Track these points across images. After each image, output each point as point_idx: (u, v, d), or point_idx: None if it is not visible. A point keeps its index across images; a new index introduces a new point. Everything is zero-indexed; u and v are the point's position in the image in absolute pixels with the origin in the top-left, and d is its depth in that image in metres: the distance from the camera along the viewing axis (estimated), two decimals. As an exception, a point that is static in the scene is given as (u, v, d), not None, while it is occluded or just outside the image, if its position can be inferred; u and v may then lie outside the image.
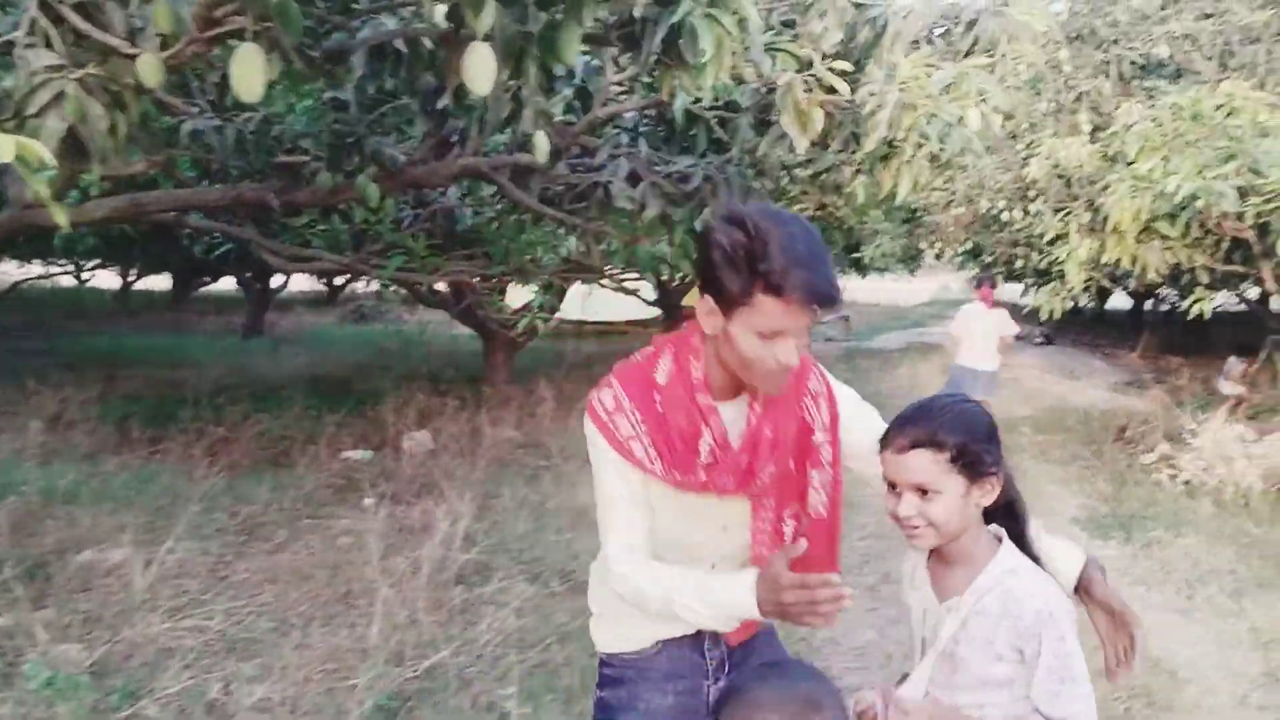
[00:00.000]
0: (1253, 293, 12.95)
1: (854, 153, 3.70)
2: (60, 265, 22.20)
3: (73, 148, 2.03)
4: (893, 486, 1.78)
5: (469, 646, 4.45)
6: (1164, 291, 17.18)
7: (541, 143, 3.22)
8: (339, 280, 23.55)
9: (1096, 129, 8.91)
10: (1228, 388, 10.84)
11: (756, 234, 1.64)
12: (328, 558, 5.71)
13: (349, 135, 4.12)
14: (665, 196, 3.94)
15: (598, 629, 2.11)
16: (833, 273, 1.69)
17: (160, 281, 26.11)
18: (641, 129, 4.43)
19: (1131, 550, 6.25)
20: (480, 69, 1.82)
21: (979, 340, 9.28)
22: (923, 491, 1.73)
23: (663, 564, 1.90)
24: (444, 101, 3.18)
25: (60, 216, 1.87)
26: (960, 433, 1.72)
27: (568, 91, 3.55)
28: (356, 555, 5.59)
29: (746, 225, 1.65)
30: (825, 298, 1.66)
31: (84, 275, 23.56)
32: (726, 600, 1.76)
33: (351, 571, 5.37)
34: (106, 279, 25.76)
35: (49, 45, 1.97)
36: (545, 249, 6.65)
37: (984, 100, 3.37)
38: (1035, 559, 1.81)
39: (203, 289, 26.45)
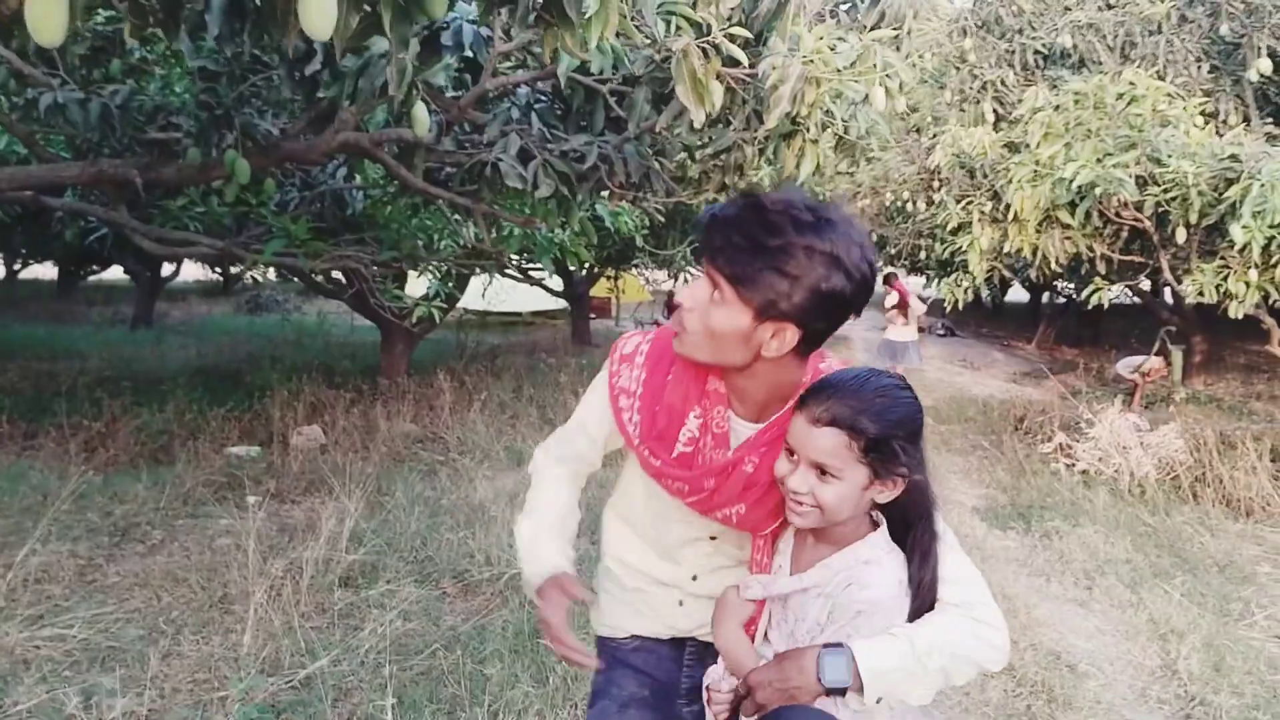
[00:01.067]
0: (1144, 285, 13.28)
1: (756, 130, 3.53)
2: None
3: None
4: (791, 453, 1.64)
5: (350, 654, 4.18)
6: (1061, 284, 17.52)
7: (421, 115, 2.98)
8: (234, 269, 22.82)
9: (1000, 119, 8.96)
10: (1127, 372, 11.07)
11: (864, 282, 1.58)
12: (204, 560, 5.38)
13: (218, 107, 3.81)
14: (559, 176, 3.72)
15: (594, 610, 2.13)
16: (736, 225, 1.62)
17: (48, 270, 25.06)
18: (536, 105, 4.20)
19: (1031, 541, 6.25)
20: (316, 9, 1.58)
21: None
22: (822, 470, 1.60)
23: (561, 490, 2.01)
24: (314, 67, 2.91)
25: None
26: (884, 425, 1.57)
27: (451, 60, 3.30)
28: (235, 557, 5.27)
29: (861, 273, 1.58)
30: (714, 224, 1.63)
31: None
32: (527, 569, 1.90)
33: (229, 575, 5.06)
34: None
35: None
36: (441, 235, 6.37)
37: (889, 77, 3.24)
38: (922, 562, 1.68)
39: (92, 278, 25.45)
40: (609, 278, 18.79)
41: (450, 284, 7.60)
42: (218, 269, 23.16)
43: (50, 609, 4.57)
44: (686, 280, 18.10)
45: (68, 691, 3.80)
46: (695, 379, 1.75)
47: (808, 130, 3.46)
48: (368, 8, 1.76)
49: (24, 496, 6.21)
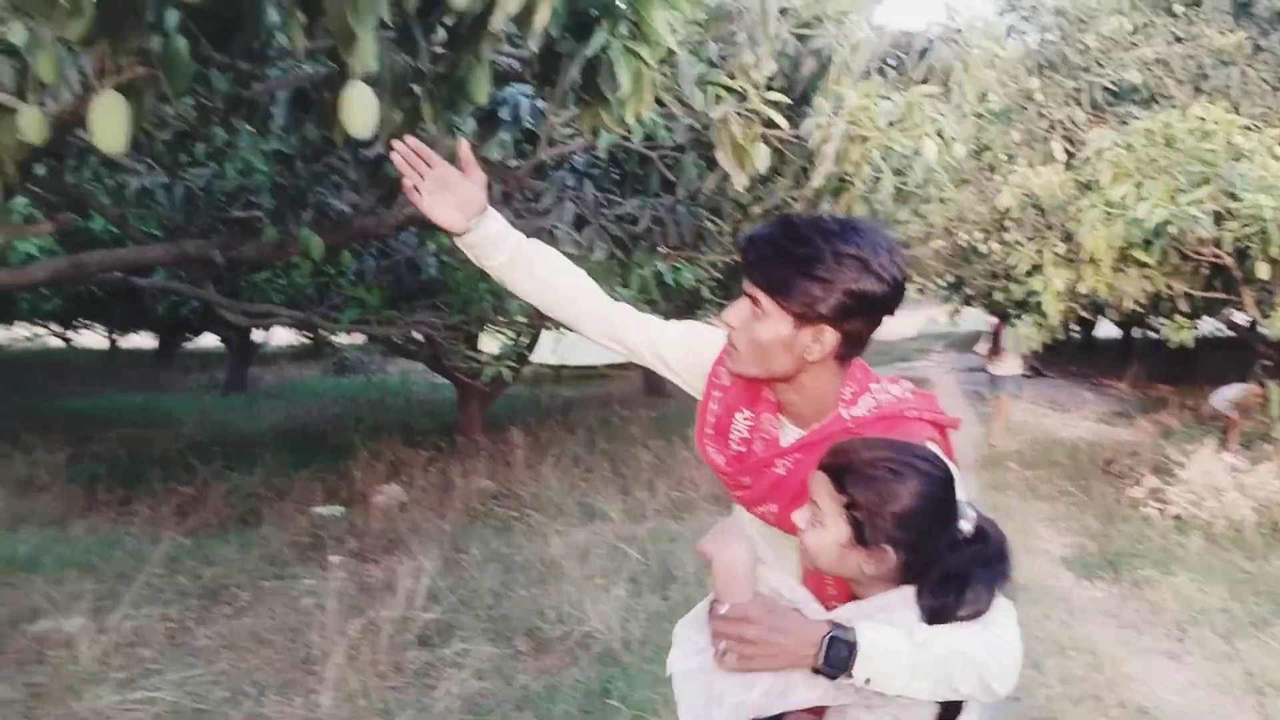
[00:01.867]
0: (1240, 317, 12.86)
1: (805, 187, 3.57)
2: (46, 327, 22.11)
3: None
4: None
5: (425, 714, 4.25)
6: (1153, 319, 17.05)
7: (477, 187, 3.08)
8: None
9: (1070, 156, 8.84)
10: (1221, 405, 10.69)
11: (894, 283, 1.65)
12: (289, 620, 5.51)
13: (292, 188, 3.99)
14: (613, 239, 3.80)
15: None
16: (770, 241, 1.70)
17: (146, 339, 25.97)
18: (592, 171, 4.31)
19: (1120, 590, 6.07)
20: (357, 110, 1.69)
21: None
22: (815, 512, 1.60)
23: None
24: (377, 150, 3.04)
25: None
26: (871, 493, 1.54)
27: (505, 136, 3.43)
28: (318, 617, 5.39)
29: (890, 274, 1.64)
30: (752, 244, 1.71)
31: (69, 335, 23.50)
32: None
33: (311, 635, 5.16)
34: (94, 340, 25.66)
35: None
36: (509, 297, 6.51)
37: (939, 131, 3.25)
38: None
39: (188, 345, 26.30)
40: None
41: (522, 341, 7.72)
42: (307, 334, 23.82)
43: (141, 672, 4.71)
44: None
45: (157, 756, 3.92)
46: (750, 385, 1.82)
47: (855, 186, 3.49)
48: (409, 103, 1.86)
49: (119, 561, 6.43)
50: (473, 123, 3.00)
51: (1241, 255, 7.43)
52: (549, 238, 3.74)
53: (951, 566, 1.55)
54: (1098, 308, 10.72)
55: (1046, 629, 5.25)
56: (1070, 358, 25.51)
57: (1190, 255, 7.73)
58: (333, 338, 9.87)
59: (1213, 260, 7.70)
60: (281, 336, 26.62)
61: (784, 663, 1.52)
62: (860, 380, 1.78)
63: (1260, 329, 13.75)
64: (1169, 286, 7.90)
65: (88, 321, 21.40)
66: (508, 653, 5.01)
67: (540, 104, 3.62)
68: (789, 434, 1.82)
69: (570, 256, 3.94)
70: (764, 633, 1.52)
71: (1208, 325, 8.61)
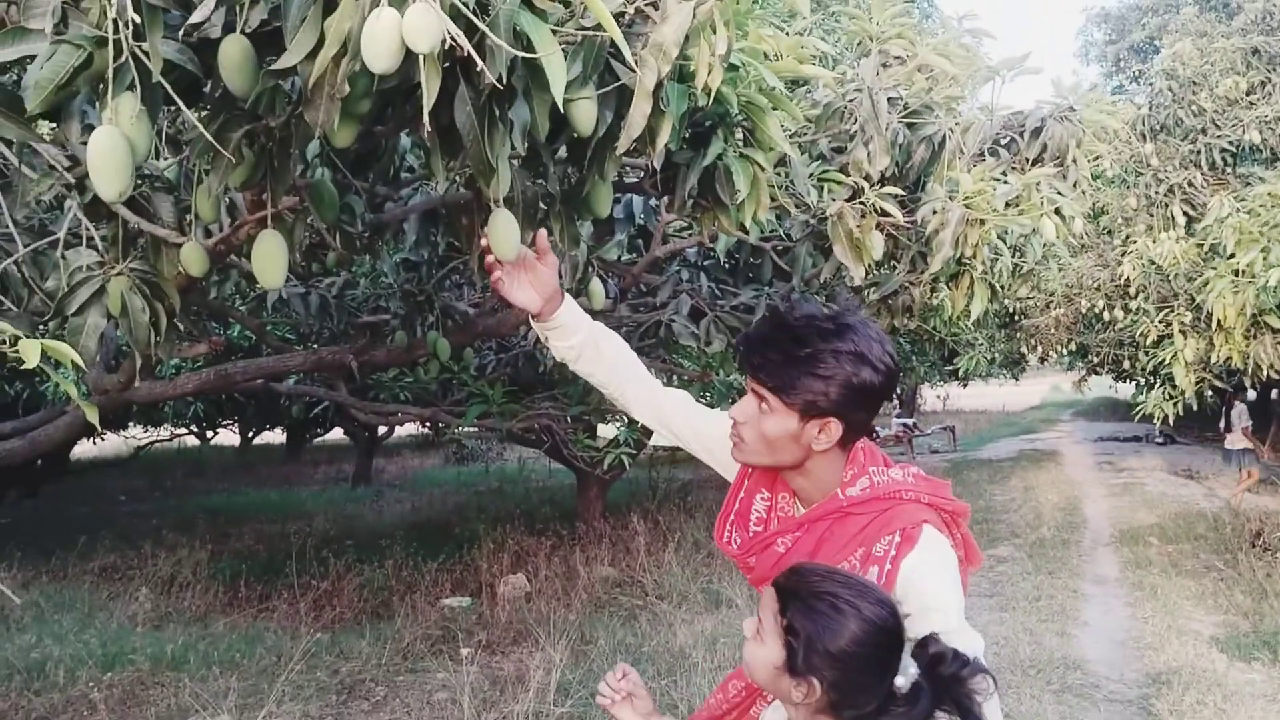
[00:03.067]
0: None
1: (922, 272, 3.58)
2: (184, 427, 23.17)
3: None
4: None
5: (562, 811, 4.24)
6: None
7: (597, 289, 3.18)
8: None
9: (1190, 221, 8.60)
10: None
11: (889, 372, 1.74)
12: (424, 715, 5.60)
13: (419, 294, 4.17)
14: (729, 330, 3.87)
15: None
16: (765, 343, 1.78)
17: (277, 436, 26.92)
18: (705, 263, 4.40)
19: (1279, 673, 5.73)
20: (503, 234, 1.82)
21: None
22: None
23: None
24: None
25: (91, 414, 1.88)
26: (807, 620, 1.54)
27: (622, 236, 3.54)
28: (451, 711, 5.46)
29: (885, 365, 1.73)
30: (747, 346, 1.80)
31: (207, 435, 24.54)
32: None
33: (451, 730, 5.24)
34: (228, 437, 26.72)
35: (90, 244, 2.02)
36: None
37: (1056, 210, 3.24)
38: None
39: (316, 440, 27.16)
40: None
41: (638, 427, 7.80)
42: (427, 424, 24.37)
43: (286, 771, 4.83)
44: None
45: None
46: (768, 470, 1.89)
47: (974, 269, 3.48)
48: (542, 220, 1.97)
49: (260, 658, 6.62)
50: (590, 226, 3.12)
51: (1381, 316, 7.08)
52: (667, 331, 3.84)
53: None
54: (1230, 373, 10.31)
55: (1202, 715, 4.99)
56: (1205, 424, 24.42)
57: (1328, 317, 7.40)
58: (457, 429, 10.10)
59: (1352, 321, 7.35)
60: (403, 428, 27.35)
61: None
62: (861, 464, 1.83)
63: None
64: (1307, 351, 7.56)
65: (225, 423, 22.35)
66: (640, 747, 4.97)
67: (654, 202, 3.73)
68: (801, 515, 1.88)
69: (687, 349, 4.01)
70: None
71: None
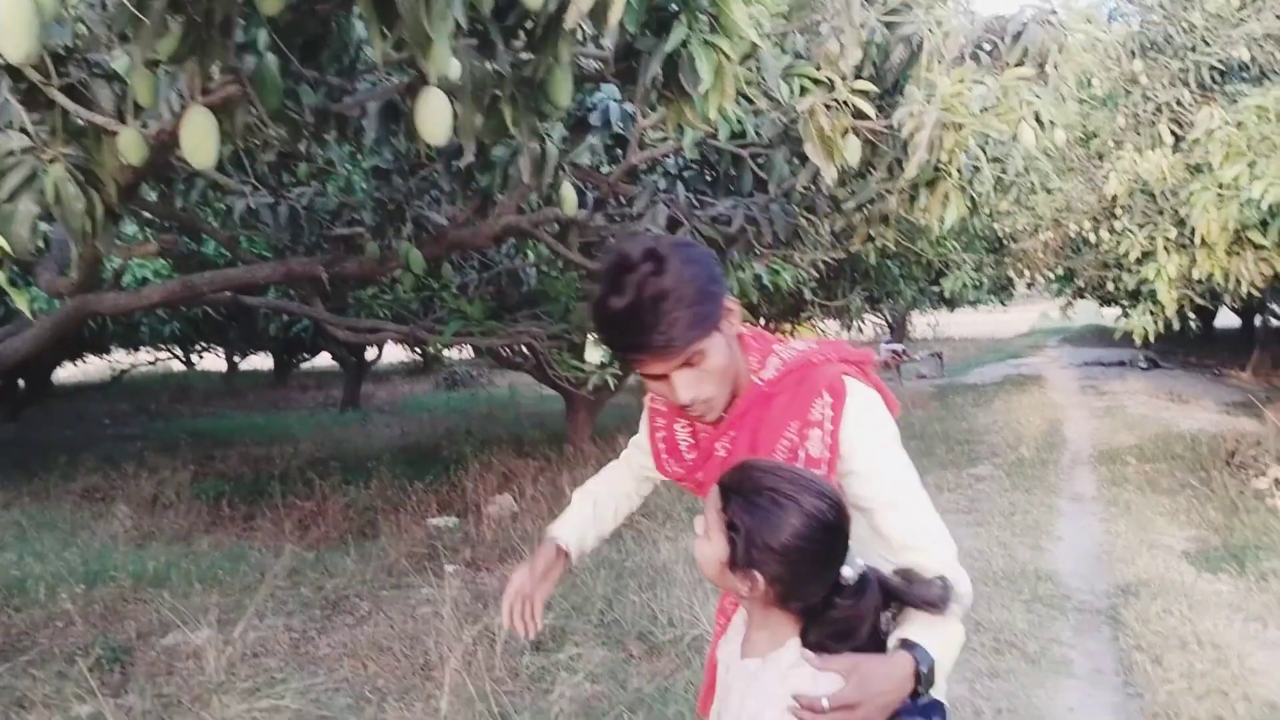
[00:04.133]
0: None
1: (899, 180, 3.52)
2: (170, 351, 23.13)
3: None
4: None
5: (541, 717, 4.30)
6: (1277, 306, 16.31)
7: (569, 194, 3.13)
8: (431, 350, 23.84)
9: (1179, 139, 8.51)
10: None
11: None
12: (407, 628, 5.64)
13: (391, 203, 4.10)
14: (707, 241, 3.81)
15: None
16: (644, 328, 1.62)
17: (264, 361, 26.90)
18: (685, 174, 4.33)
19: (1245, 584, 5.81)
20: (431, 116, 1.74)
21: None
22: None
23: (617, 473, 2.30)
24: (467, 159, 3.11)
25: (21, 302, 1.83)
26: (747, 516, 1.54)
27: (595, 140, 3.46)
28: (435, 625, 5.51)
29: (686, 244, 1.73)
30: (628, 355, 1.69)
31: (192, 360, 24.53)
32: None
33: (429, 642, 5.28)
34: (214, 362, 26.69)
35: (23, 129, 1.96)
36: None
37: (1035, 115, 3.18)
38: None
39: (304, 365, 27.15)
40: (784, 332, 18.77)
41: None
42: (417, 350, 24.34)
43: (266, 681, 4.87)
44: (859, 328, 18.02)
45: (283, 760, 4.05)
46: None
47: (951, 176, 3.43)
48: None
49: (244, 575, 6.66)
50: (561, 129, 3.05)
51: (1362, 234, 7.04)
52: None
53: (836, 614, 1.54)
54: (1214, 295, 10.29)
55: (1168, 623, 5.07)
56: (1189, 349, 24.59)
57: (1312, 233, 7.36)
58: (442, 353, 10.07)
59: (1336, 238, 7.32)
60: (393, 354, 27.29)
61: (890, 710, 1.52)
62: (760, 348, 1.81)
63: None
64: (1288, 268, 7.54)
65: (207, 345, 22.33)
66: (620, 656, 5.05)
67: (629, 108, 3.65)
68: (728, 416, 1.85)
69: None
70: (869, 704, 1.49)
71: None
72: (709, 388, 1.71)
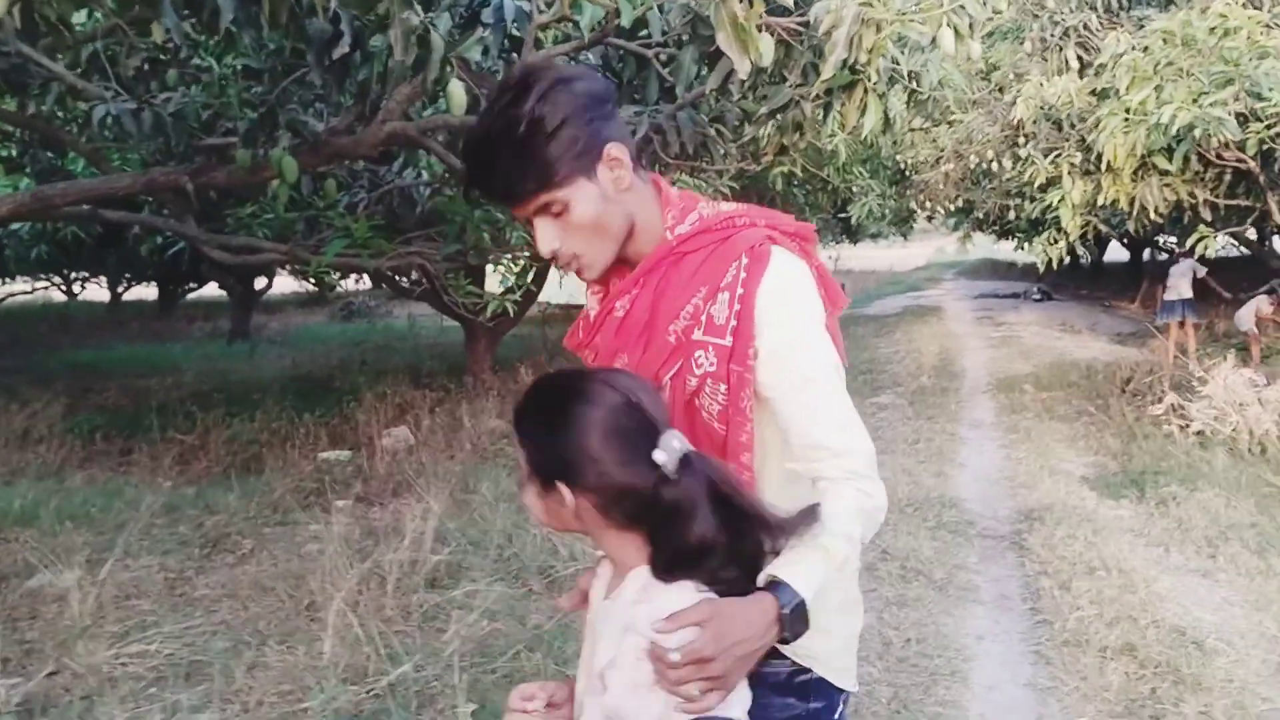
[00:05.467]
0: (1251, 235, 12.55)
1: (814, 84, 3.30)
2: (48, 280, 21.99)
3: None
4: None
5: (434, 658, 4.09)
6: (1163, 239, 16.73)
7: (457, 93, 2.83)
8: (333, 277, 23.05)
9: (1085, 65, 8.48)
10: (1244, 325, 10.59)
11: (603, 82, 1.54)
12: (292, 567, 5.36)
13: (261, 106, 3.73)
14: (609, 150, 3.53)
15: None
16: (483, 168, 1.45)
17: (151, 291, 25.86)
18: (586, 81, 4.03)
19: (1146, 509, 5.88)
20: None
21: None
22: None
23: None
24: (342, 50, 2.78)
25: None
26: (530, 431, 1.40)
27: (485, 34, 3.15)
28: (322, 563, 5.24)
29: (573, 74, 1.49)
30: (479, 191, 1.50)
31: (74, 289, 23.44)
32: None
33: (315, 581, 5.01)
34: (97, 293, 25.57)
35: None
36: (510, 226, 6.25)
37: (958, 16, 2.98)
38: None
39: (191, 295, 26.15)
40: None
41: (528, 277, 7.48)
42: (304, 274, 23.51)
43: (138, 624, 4.56)
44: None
45: (149, 710, 3.77)
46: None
47: (870, 80, 3.22)
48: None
49: (117, 512, 6.28)
50: (448, 18, 2.75)
51: (1267, 159, 7.12)
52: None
53: (664, 506, 1.32)
54: (1113, 225, 10.42)
55: (1073, 549, 5.08)
56: (1080, 281, 25.29)
57: (1213, 161, 7.42)
58: (336, 280, 9.59)
59: (1236, 165, 7.39)
60: (287, 284, 26.42)
61: (755, 660, 1.31)
62: (683, 205, 1.56)
63: (1276, 245, 13.49)
64: (1191, 195, 7.61)
65: (85, 273, 21.29)
66: (520, 593, 4.86)
67: (525, 5, 3.35)
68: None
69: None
70: (725, 656, 1.26)
71: (1219, 242, 8.32)
72: (577, 243, 1.49)
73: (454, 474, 7.04)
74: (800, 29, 3.10)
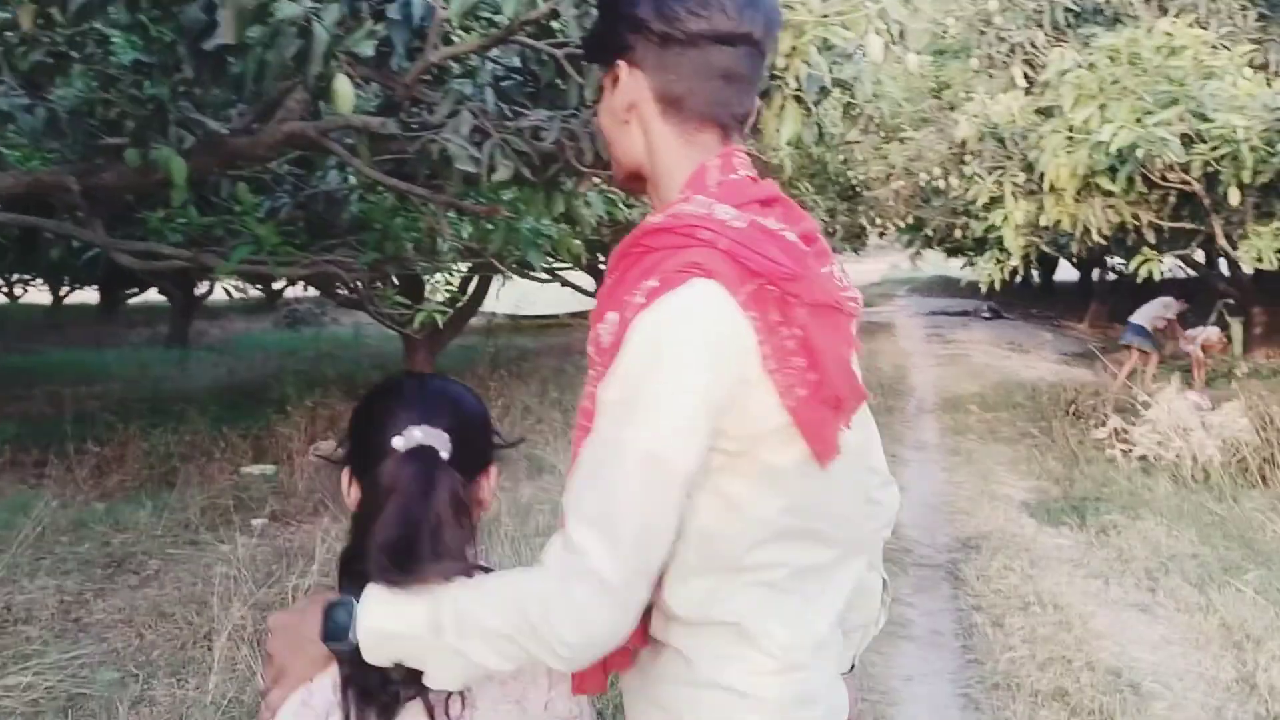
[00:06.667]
0: (1198, 256, 12.62)
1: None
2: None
3: None
4: None
5: (328, 695, 3.82)
6: (1112, 260, 16.83)
7: (344, 90, 2.61)
8: (277, 284, 22.62)
9: (1031, 83, 8.42)
10: (1187, 346, 10.59)
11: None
12: (196, 591, 5.07)
13: (150, 103, 3.47)
14: (519, 156, 3.31)
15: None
16: None
17: (94, 295, 25.29)
18: (504, 82, 3.81)
19: (1086, 538, 5.74)
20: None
21: None
22: None
23: None
24: (217, 40, 2.54)
25: None
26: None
27: (377, 27, 2.93)
28: (228, 587, 4.96)
29: None
30: None
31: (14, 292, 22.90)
32: None
33: (219, 607, 4.72)
34: (39, 295, 25.01)
35: None
36: (438, 235, 6.00)
37: (884, 21, 2.81)
38: None
39: (133, 300, 25.60)
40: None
41: (452, 287, 7.23)
42: (258, 285, 22.99)
43: (19, 654, 4.25)
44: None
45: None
46: None
47: (788, 86, 3.02)
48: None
49: (20, 529, 5.94)
50: (336, 9, 2.51)
51: (1211, 181, 7.05)
52: (442, 155, 3.23)
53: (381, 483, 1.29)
54: (1059, 245, 10.38)
55: (1009, 582, 4.91)
56: (1030, 300, 25.46)
57: (1157, 183, 7.35)
58: (283, 289, 9.30)
59: (1180, 187, 7.32)
60: (234, 291, 25.93)
61: (310, 653, 1.24)
62: (694, 182, 1.24)
63: (1221, 266, 13.57)
64: (1135, 217, 7.54)
65: (30, 276, 20.81)
66: (430, 621, 4.59)
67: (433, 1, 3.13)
68: None
69: (470, 176, 3.47)
70: (285, 642, 1.26)
71: (1167, 263, 8.29)
72: (604, 129, 1.35)
73: (379, 491, 6.78)
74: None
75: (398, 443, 1.28)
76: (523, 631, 1.13)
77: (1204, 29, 6.72)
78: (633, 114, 1.26)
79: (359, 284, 5.61)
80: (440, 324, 5.99)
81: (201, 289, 20.44)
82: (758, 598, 1.22)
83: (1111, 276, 20.58)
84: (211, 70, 2.83)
